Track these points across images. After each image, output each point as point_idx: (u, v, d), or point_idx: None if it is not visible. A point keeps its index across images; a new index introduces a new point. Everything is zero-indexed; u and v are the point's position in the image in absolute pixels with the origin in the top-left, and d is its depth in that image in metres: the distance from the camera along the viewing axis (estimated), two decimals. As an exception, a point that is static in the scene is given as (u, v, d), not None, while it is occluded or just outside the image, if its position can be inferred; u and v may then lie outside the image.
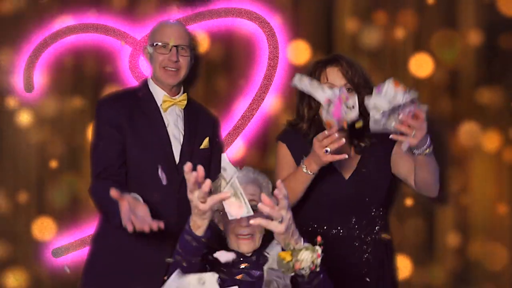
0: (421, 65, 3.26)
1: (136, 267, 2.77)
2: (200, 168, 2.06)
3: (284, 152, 2.88)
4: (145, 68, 3.19)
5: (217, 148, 3.02)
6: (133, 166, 2.80)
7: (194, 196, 2.10)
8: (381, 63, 3.27)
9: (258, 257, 2.53)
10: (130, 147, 2.79)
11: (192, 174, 2.06)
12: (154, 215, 2.66)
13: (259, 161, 3.25)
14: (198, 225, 2.19)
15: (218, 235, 2.66)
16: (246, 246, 2.48)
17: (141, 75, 3.21)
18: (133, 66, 3.22)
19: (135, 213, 2.37)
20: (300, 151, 2.78)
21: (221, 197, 2.10)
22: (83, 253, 3.14)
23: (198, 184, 2.08)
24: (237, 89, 3.27)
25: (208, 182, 2.08)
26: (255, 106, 3.23)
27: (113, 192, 2.31)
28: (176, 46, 2.83)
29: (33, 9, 3.24)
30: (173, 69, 2.85)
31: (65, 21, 3.23)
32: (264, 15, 3.24)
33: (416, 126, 2.50)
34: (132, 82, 3.22)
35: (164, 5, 3.25)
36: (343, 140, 2.57)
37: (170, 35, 2.84)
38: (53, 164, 3.25)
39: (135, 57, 3.22)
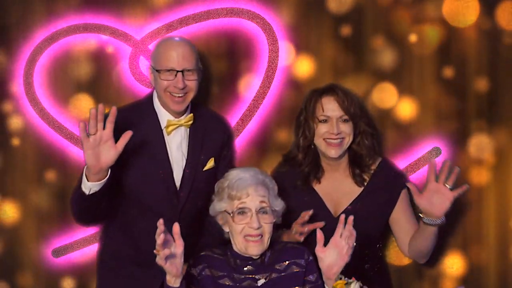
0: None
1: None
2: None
3: None
4: (145, 68, 3.16)
5: (224, 161, 2.92)
6: (132, 192, 2.73)
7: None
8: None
9: (264, 259, 2.50)
10: (128, 173, 2.70)
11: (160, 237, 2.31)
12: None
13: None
14: (172, 281, 2.38)
15: (221, 237, 2.65)
16: (256, 248, 2.46)
17: (141, 75, 3.18)
18: (133, 66, 3.19)
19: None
20: (288, 195, 2.75)
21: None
22: (83, 252, 3.17)
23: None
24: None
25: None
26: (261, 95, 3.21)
27: None
28: (182, 71, 2.67)
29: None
30: (180, 95, 2.68)
31: (63, 21, 3.18)
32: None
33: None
34: (132, 82, 3.19)
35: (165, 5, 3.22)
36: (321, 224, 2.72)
37: (174, 59, 2.66)
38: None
39: (135, 57, 3.18)
